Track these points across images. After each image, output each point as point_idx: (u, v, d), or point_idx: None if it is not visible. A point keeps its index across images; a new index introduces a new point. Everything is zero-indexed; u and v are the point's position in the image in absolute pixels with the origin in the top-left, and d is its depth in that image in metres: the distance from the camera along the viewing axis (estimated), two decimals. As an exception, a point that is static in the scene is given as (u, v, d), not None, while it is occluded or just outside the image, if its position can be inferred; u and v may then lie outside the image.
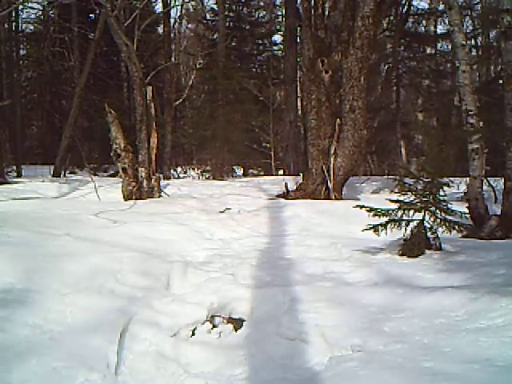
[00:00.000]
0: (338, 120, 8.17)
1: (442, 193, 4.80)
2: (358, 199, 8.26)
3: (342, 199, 8.14)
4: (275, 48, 20.79)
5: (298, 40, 14.21)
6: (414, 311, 3.07)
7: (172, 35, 17.81)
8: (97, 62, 16.70)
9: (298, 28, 13.51)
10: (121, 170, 8.28)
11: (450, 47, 15.91)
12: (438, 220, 4.72)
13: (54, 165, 13.70)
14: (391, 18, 15.37)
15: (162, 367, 2.98)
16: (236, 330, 3.40)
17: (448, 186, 4.82)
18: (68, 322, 3.15)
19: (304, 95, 9.92)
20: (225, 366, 2.98)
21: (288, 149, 14.37)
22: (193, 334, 3.37)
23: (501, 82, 8.01)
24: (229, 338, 3.34)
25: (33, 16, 20.49)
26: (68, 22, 15.89)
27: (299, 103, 15.36)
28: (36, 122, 22.89)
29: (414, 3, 23.34)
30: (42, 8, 18.31)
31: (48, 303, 3.28)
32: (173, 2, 16.81)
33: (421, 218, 4.78)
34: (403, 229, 4.79)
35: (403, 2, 14.89)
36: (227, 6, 19.09)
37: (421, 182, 4.84)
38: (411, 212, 4.80)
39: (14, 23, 18.18)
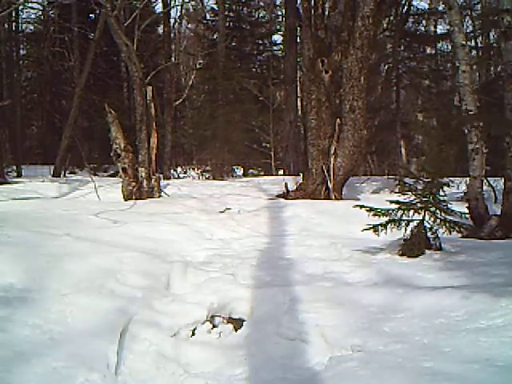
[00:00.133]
0: (338, 120, 8.17)
1: (442, 193, 4.80)
2: (358, 199, 8.26)
3: (342, 199, 8.14)
4: (275, 48, 20.82)
5: (298, 40, 14.20)
6: (414, 311, 3.07)
7: (172, 35, 17.81)
8: (97, 62, 16.70)
9: (298, 28, 13.51)
10: (121, 170, 8.28)
11: (450, 47, 15.93)
12: (438, 220, 4.72)
13: (54, 165, 13.70)
14: (391, 18, 15.38)
15: (162, 367, 2.98)
16: (236, 330, 3.40)
17: (448, 185, 4.82)
18: (68, 322, 3.15)
19: (304, 95, 9.93)
20: (225, 365, 2.99)
21: (288, 149, 14.37)
22: (193, 334, 3.37)
23: (501, 82, 7.99)
24: (229, 338, 3.34)
25: (33, 16, 20.57)
26: (68, 22, 15.89)
27: (299, 103, 15.36)
28: (36, 122, 22.89)
29: (414, 3, 23.39)
30: (42, 8, 18.30)
31: (48, 303, 3.28)
32: (173, 2, 16.87)
33: (421, 218, 4.78)
34: (403, 229, 4.79)
35: (403, 2, 14.90)
36: (227, 5, 19.09)
37: (421, 182, 4.84)
38: (411, 212, 4.81)
39: (13, 23, 18.21)
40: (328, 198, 8.10)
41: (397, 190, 5.12)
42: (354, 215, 5.40)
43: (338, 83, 8.36)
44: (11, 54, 17.95)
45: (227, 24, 18.69)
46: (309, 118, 8.45)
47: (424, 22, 17.65)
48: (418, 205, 4.79)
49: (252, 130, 16.38)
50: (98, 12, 14.50)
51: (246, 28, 20.14)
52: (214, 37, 19.52)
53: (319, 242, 5.29)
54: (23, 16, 20.12)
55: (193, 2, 21.16)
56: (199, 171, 15.51)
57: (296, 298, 3.47)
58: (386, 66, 16.31)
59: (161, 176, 10.28)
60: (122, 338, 3.08)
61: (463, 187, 7.69)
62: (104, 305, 3.40)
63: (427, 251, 4.69)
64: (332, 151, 8.17)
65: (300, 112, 15.12)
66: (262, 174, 16.90)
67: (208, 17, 21.47)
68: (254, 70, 20.48)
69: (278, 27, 20.55)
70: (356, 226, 5.29)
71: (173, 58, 17.12)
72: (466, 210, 5.55)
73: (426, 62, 16.25)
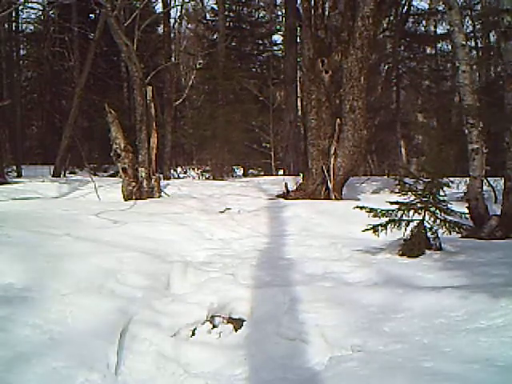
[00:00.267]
0: (338, 120, 8.17)
1: (441, 193, 4.80)
2: (358, 199, 8.26)
3: (342, 199, 8.14)
4: (275, 48, 20.81)
5: (298, 40, 14.21)
6: (414, 311, 3.07)
7: (172, 35, 17.82)
8: (97, 62, 16.69)
9: (298, 28, 13.51)
10: (121, 170, 8.28)
11: (450, 47, 15.93)
12: (438, 220, 4.72)
13: (54, 165, 13.70)
14: (391, 18, 15.40)
15: (162, 367, 2.98)
16: (236, 330, 3.40)
17: (448, 186, 4.82)
18: (68, 322, 3.15)
19: (304, 95, 9.92)
20: (225, 366, 2.98)
21: (288, 149, 14.37)
22: (193, 334, 3.37)
23: (501, 82, 8.00)
24: (229, 338, 3.34)
25: (33, 16, 20.57)
26: (68, 22, 15.88)
27: (299, 103, 15.34)
28: (36, 122, 22.88)
29: (414, 3, 23.30)
30: (42, 8, 18.31)
31: (48, 303, 3.28)
32: (173, 2, 16.87)
33: (421, 219, 4.78)
34: (403, 229, 4.79)
35: (403, 2, 14.91)
36: (227, 5, 19.09)
37: (421, 182, 4.84)
38: (411, 212, 4.80)
39: (14, 23, 18.20)
40: (328, 198, 8.10)
41: (397, 190, 5.12)
42: (354, 215, 5.39)
43: (338, 83, 8.36)
44: (11, 54, 17.95)
45: (227, 24, 18.68)
46: (309, 118, 8.45)
47: (424, 22, 17.67)
48: (418, 205, 4.79)
49: (252, 130, 16.38)
50: (98, 12, 14.51)
51: (246, 28, 20.14)
52: (214, 37, 19.52)
53: (319, 242, 5.29)
54: (23, 16, 20.18)
55: (193, 2, 21.19)
56: (199, 171, 15.52)
57: (296, 298, 3.47)
58: (386, 66, 16.33)
59: (161, 176, 10.28)
60: (122, 338, 3.08)
61: (463, 187, 7.69)
62: (104, 305, 3.39)
63: (427, 251, 4.69)
64: (332, 151, 8.17)
65: (300, 112, 15.10)
66: (262, 174, 16.89)
67: (208, 17, 21.49)
68: (254, 69, 20.47)
69: (278, 27, 20.56)
70: (356, 226, 5.29)
71: (173, 58, 17.13)
72: (466, 210, 5.54)
73: (426, 62, 16.27)
